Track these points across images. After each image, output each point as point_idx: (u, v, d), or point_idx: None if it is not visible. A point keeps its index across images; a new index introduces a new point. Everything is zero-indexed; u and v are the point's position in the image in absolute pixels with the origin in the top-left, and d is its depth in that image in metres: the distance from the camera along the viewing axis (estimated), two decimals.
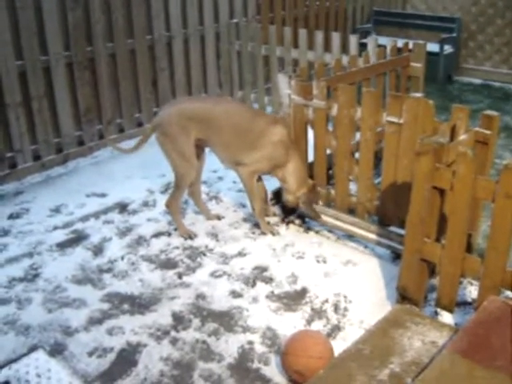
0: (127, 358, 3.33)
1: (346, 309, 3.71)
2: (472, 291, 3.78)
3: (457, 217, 3.18)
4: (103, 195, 5.26)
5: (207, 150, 4.62)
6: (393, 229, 4.21)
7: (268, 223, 4.64)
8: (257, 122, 4.35)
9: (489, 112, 3.68)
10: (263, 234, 4.55)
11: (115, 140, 6.07)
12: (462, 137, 3.57)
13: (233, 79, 7.33)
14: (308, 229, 4.67)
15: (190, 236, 4.53)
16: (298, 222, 4.73)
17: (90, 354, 3.35)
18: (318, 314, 3.68)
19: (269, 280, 4.02)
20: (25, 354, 3.34)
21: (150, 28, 6.46)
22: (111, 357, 3.34)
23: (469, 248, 3.61)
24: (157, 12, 6.45)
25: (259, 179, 4.56)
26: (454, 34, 8.97)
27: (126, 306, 3.77)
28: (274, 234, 4.54)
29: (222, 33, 7.17)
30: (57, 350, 3.38)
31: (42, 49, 5.56)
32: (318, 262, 4.23)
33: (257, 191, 4.51)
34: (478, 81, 9.02)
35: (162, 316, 3.66)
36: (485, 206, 3.94)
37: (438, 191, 3.23)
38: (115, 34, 6.12)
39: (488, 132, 3.61)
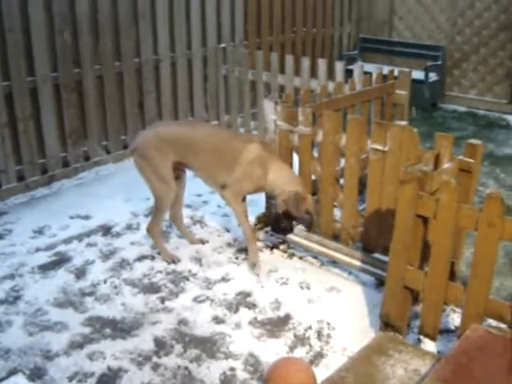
0: (108, 383, 3.29)
1: (329, 336, 3.70)
2: (455, 318, 3.78)
3: (440, 245, 3.20)
4: (87, 217, 5.23)
5: (191, 174, 4.61)
6: (377, 255, 4.22)
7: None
8: (232, 142, 4.37)
9: (473, 140, 3.71)
10: (248, 258, 4.49)
11: (101, 162, 6.07)
12: (446, 165, 3.60)
13: (219, 103, 7.36)
14: (292, 255, 4.66)
15: (174, 260, 4.50)
16: (282, 247, 4.72)
17: (70, 379, 3.31)
18: (300, 340, 3.66)
19: (252, 306, 4.00)
20: (4, 378, 3.29)
21: (138, 51, 6.49)
22: (91, 382, 3.29)
23: (452, 275, 3.63)
24: (145, 35, 6.49)
25: (243, 200, 4.51)
26: (439, 62, 9.07)
27: (107, 331, 3.73)
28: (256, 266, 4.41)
29: (210, 57, 7.21)
30: (36, 375, 3.34)
31: (29, 70, 5.56)
32: (301, 288, 4.22)
33: (244, 214, 4.42)
34: (462, 108, 9.10)
35: (143, 341, 3.63)
36: (468, 233, 3.96)
37: (421, 219, 3.24)
38: (103, 56, 6.13)
39: (471, 161, 3.64)
